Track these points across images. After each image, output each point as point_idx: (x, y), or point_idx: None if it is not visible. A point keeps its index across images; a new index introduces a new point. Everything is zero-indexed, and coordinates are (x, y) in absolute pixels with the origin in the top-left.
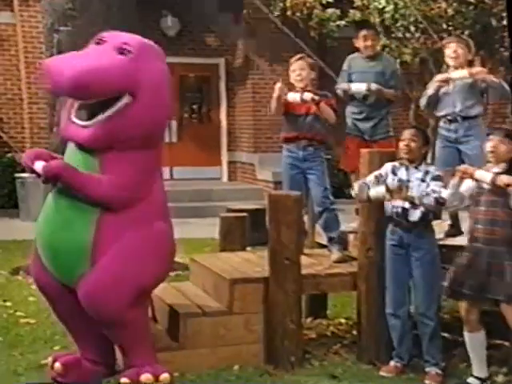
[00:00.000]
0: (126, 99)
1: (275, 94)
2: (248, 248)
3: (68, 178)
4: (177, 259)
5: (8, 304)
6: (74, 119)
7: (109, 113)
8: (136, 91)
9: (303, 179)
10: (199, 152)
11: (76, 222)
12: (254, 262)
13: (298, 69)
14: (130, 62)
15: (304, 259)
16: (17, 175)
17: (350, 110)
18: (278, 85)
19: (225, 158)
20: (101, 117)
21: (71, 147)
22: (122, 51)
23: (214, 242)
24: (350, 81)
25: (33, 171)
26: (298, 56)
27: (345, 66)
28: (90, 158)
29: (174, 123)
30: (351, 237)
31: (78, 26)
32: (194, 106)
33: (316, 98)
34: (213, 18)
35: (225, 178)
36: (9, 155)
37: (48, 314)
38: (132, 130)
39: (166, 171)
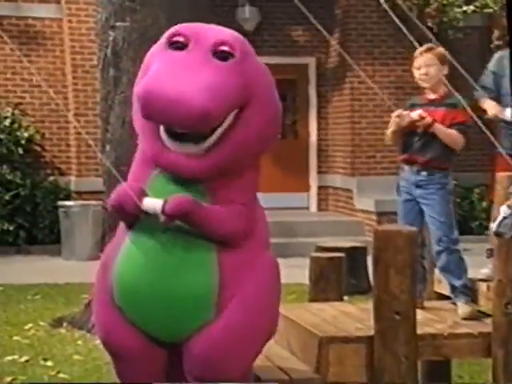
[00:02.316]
0: (233, 114)
1: (392, 127)
2: (345, 297)
3: (196, 215)
4: None
5: (49, 364)
6: (170, 145)
7: (218, 133)
8: (245, 103)
9: (418, 210)
10: (281, 174)
11: (196, 263)
12: (353, 315)
13: (424, 65)
14: (236, 69)
15: (420, 314)
16: (60, 203)
17: (507, 126)
18: (397, 113)
19: (314, 182)
20: (211, 139)
21: (164, 176)
22: (222, 55)
23: (300, 288)
24: (499, 87)
25: (130, 212)
26: (425, 47)
27: (492, 67)
28: (197, 187)
29: None
30: (483, 286)
31: (138, 20)
32: None
33: (425, 116)
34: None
35: (313, 208)
36: (51, 178)
37: (98, 377)
38: (245, 149)
39: None
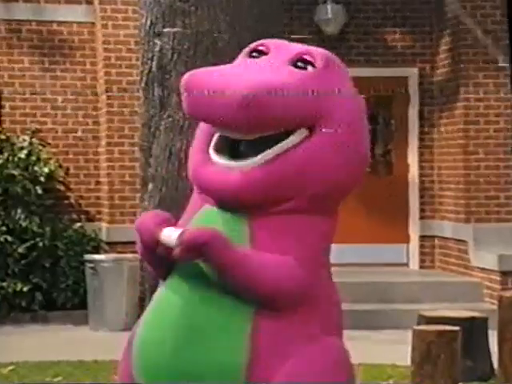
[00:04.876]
0: (301, 133)
1: None
2: None
3: (218, 251)
4: None
5: None
6: (216, 157)
7: (280, 147)
8: (316, 122)
9: None
10: (371, 220)
11: (223, 330)
12: None
13: None
14: (311, 79)
15: None
16: (87, 257)
17: None
18: None
19: (415, 230)
20: (265, 155)
21: (213, 210)
22: (300, 64)
23: (399, 371)
24: None
25: (147, 244)
26: None
27: None
28: (237, 222)
29: None
30: None
31: (192, 25)
32: None
33: None
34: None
35: (414, 264)
36: (76, 226)
37: None
38: (307, 178)
39: None
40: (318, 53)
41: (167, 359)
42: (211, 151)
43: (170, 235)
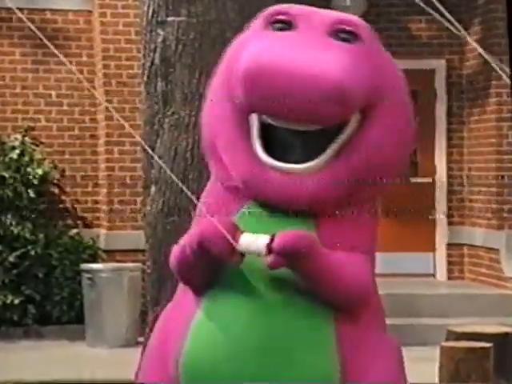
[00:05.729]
0: (355, 120)
1: None
2: None
3: (315, 256)
4: None
5: None
6: (271, 164)
7: (337, 144)
8: (372, 105)
9: None
10: (394, 227)
11: (309, 343)
12: None
13: None
14: (364, 54)
15: None
16: (84, 266)
17: None
18: None
19: (442, 237)
20: (329, 152)
21: (259, 211)
22: (343, 36)
23: None
24: None
25: (219, 256)
26: None
27: None
28: (301, 224)
29: None
30: None
31: (198, 14)
32: None
33: None
34: None
35: (442, 275)
36: (72, 232)
37: None
38: (374, 165)
39: None
40: (359, 23)
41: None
42: (261, 153)
43: (255, 243)
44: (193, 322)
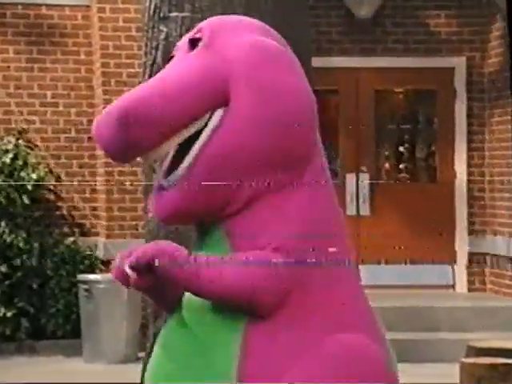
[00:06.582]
0: (217, 115)
1: None
2: None
3: (171, 270)
4: None
5: None
6: (156, 177)
7: (195, 148)
8: (228, 94)
9: None
10: (411, 236)
11: (216, 346)
12: None
13: None
14: (201, 56)
15: None
16: (81, 277)
17: None
18: None
19: (462, 247)
20: (187, 158)
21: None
22: (193, 44)
23: None
24: None
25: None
26: None
27: None
28: (216, 234)
29: (356, 178)
30: None
31: (203, 9)
32: (402, 149)
33: None
34: None
35: (462, 286)
36: (69, 241)
37: None
38: (244, 166)
39: None
40: (207, 24)
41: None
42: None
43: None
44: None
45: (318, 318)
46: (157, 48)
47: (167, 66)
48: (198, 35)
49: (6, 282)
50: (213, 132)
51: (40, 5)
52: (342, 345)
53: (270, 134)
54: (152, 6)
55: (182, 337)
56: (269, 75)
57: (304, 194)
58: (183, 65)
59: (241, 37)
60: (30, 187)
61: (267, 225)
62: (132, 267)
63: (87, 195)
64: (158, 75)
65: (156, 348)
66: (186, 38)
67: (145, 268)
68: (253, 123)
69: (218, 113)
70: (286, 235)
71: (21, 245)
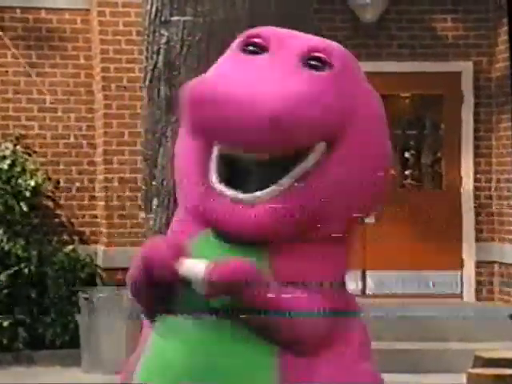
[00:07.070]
0: (320, 149)
1: None
2: None
3: (256, 295)
4: None
5: None
6: (222, 190)
7: (296, 172)
8: (338, 133)
9: None
10: (417, 243)
11: (249, 372)
12: None
13: None
14: (332, 82)
15: None
16: (80, 286)
17: None
18: None
19: (470, 254)
20: (284, 181)
21: (215, 237)
22: (315, 64)
23: None
24: None
25: (160, 279)
26: None
27: None
28: (254, 254)
29: None
30: None
31: (205, 13)
32: (408, 155)
33: None
34: None
35: (470, 295)
36: (68, 249)
37: None
38: (336, 203)
39: (353, 278)
40: (332, 49)
41: None
42: (215, 178)
43: (191, 268)
44: (146, 348)
45: (348, 349)
46: (158, 52)
47: (271, 64)
48: (320, 55)
49: (4, 291)
50: (323, 158)
51: (39, 8)
52: (371, 375)
53: (370, 176)
54: (153, 10)
55: (190, 351)
56: (382, 126)
57: (346, 243)
58: (314, 85)
59: (361, 83)
60: (28, 194)
61: (316, 266)
62: (214, 281)
63: (86, 202)
64: (281, 82)
65: (150, 358)
66: (287, 43)
67: (227, 285)
68: (360, 164)
69: (321, 146)
70: (333, 283)
71: (19, 253)
